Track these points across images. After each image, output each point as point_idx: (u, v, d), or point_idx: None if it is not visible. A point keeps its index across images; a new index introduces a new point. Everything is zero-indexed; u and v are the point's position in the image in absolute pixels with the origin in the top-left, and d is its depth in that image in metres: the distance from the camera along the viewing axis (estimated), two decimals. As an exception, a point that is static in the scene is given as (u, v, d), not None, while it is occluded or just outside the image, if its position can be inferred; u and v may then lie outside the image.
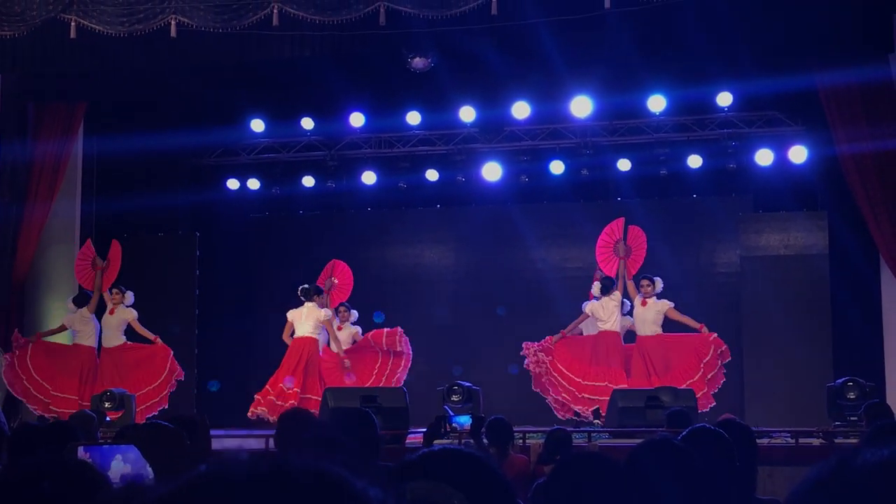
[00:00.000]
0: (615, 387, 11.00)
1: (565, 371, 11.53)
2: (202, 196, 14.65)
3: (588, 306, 11.76)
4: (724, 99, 13.04)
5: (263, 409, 11.59)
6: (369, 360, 12.05)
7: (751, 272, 13.05)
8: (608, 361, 11.55)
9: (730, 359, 11.35)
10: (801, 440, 9.51)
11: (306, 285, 12.15)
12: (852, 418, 9.88)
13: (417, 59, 11.63)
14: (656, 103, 13.12)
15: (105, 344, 12.11)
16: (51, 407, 11.59)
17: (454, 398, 11.12)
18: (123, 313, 12.10)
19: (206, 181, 14.78)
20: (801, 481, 1.10)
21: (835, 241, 12.60)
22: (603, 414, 10.99)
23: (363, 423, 4.11)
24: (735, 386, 12.47)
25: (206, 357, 14.03)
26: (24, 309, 12.72)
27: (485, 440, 6.93)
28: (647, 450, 2.95)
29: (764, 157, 13.22)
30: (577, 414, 11.44)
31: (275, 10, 10.35)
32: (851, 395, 10.22)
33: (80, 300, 12.16)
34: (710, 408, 11.13)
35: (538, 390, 11.72)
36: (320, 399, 11.06)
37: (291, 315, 12.04)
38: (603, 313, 11.63)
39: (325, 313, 11.94)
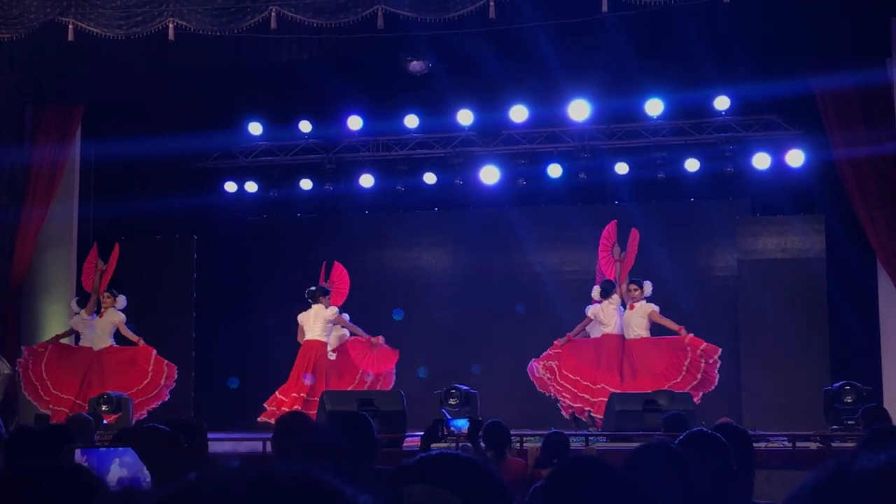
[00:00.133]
0: (615, 390, 11.02)
1: (570, 375, 11.56)
2: (200, 199, 14.66)
3: (590, 310, 11.81)
4: (722, 103, 13.06)
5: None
6: (352, 368, 12.11)
7: (748, 276, 13.07)
8: (609, 365, 11.58)
9: (717, 356, 11.24)
10: (798, 444, 9.51)
11: (312, 287, 12.14)
12: (849, 422, 9.89)
13: (415, 63, 11.64)
14: (654, 107, 13.14)
15: (93, 346, 12.16)
16: (50, 406, 11.66)
17: (451, 401, 11.13)
18: (112, 316, 12.15)
19: (203, 184, 14.78)
20: (798, 486, 1.10)
21: (832, 245, 12.62)
22: (601, 417, 10.99)
23: (360, 427, 4.11)
24: (732, 389, 12.47)
25: (204, 360, 14.02)
26: (20, 312, 12.71)
27: (482, 444, 6.92)
28: (645, 453, 2.95)
29: (761, 160, 13.24)
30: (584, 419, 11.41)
31: (272, 14, 10.35)
32: (848, 399, 10.23)
33: (83, 302, 12.24)
34: (705, 411, 11.12)
35: (543, 391, 11.73)
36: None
37: (301, 318, 12.04)
38: (604, 316, 11.67)
39: (331, 311, 11.95)
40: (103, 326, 12.13)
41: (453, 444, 7.70)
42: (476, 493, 1.69)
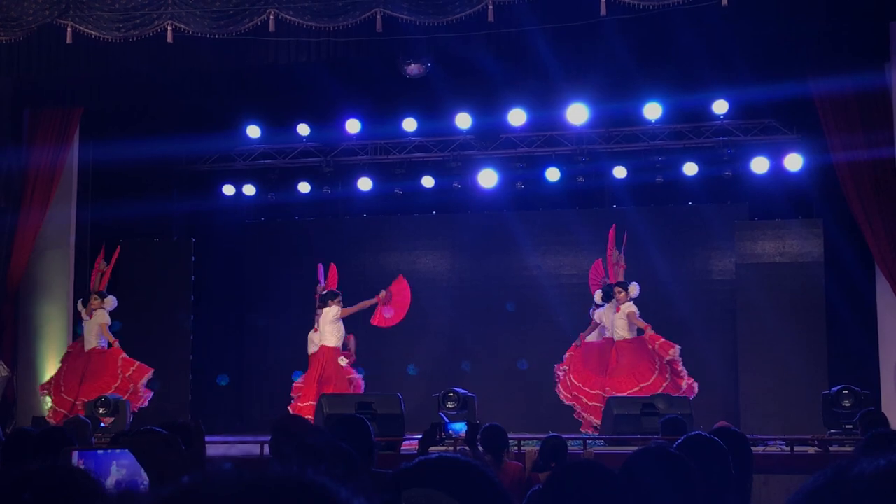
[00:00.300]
0: (617, 394, 11.03)
1: (575, 382, 11.60)
2: (198, 202, 14.65)
3: (596, 314, 11.86)
4: (720, 107, 13.06)
5: None
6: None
7: (746, 279, 13.06)
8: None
9: (672, 352, 11.19)
10: (797, 448, 9.51)
11: (324, 292, 12.18)
12: (847, 426, 9.88)
13: (413, 66, 11.64)
14: (652, 111, 13.14)
15: (84, 347, 12.23)
16: (55, 408, 11.74)
17: (449, 405, 11.12)
18: (99, 317, 12.21)
19: (201, 187, 14.77)
20: (797, 491, 1.10)
21: (830, 249, 12.62)
22: (598, 422, 11.00)
23: (358, 430, 4.11)
24: (730, 393, 12.47)
25: (201, 362, 14.01)
26: (18, 315, 12.70)
27: (480, 447, 6.92)
28: (643, 457, 2.95)
29: (759, 164, 13.24)
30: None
31: (271, 17, 10.35)
32: (846, 403, 10.23)
33: (85, 303, 12.34)
34: (703, 415, 11.12)
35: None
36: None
37: (313, 334, 12.15)
38: (607, 320, 11.71)
39: (333, 311, 11.96)
40: (90, 328, 12.20)
41: (451, 448, 7.69)
42: (474, 496, 1.68)
